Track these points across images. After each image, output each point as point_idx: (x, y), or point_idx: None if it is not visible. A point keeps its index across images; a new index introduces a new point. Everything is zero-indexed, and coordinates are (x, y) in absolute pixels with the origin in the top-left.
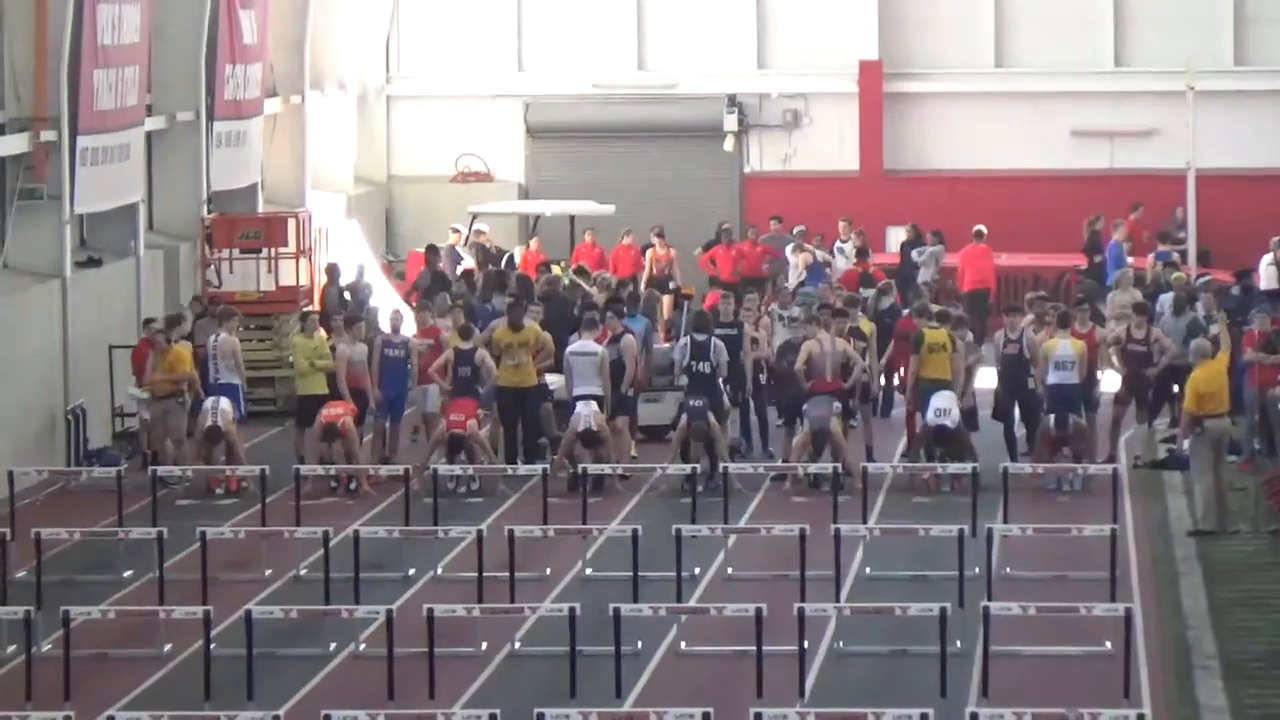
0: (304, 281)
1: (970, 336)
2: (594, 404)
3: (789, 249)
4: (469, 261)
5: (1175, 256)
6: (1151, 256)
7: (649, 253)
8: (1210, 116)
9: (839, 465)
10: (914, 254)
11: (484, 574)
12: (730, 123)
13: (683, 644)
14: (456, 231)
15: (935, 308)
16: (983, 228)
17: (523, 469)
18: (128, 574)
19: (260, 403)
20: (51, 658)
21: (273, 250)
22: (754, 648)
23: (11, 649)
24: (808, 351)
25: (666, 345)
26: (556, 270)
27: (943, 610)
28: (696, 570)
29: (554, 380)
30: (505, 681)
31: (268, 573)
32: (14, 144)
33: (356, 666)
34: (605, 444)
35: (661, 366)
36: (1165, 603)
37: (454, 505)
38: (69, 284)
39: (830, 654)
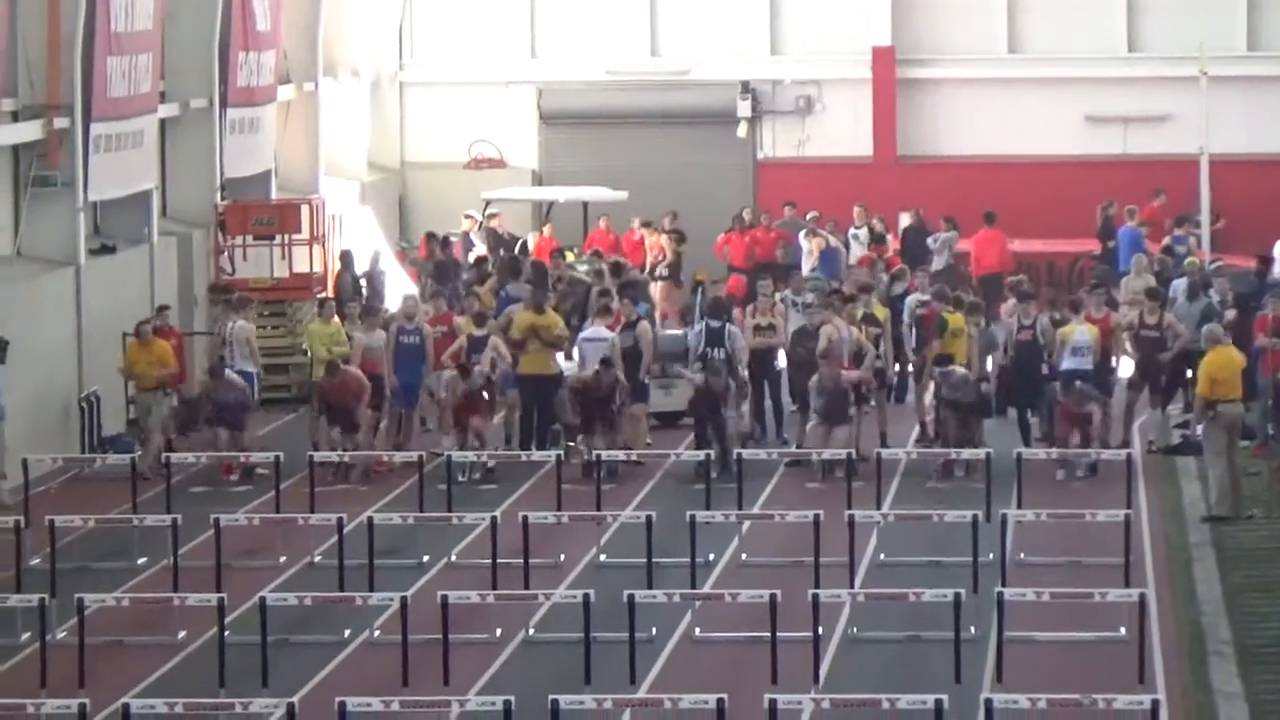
0: (317, 268)
1: (983, 322)
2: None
3: (802, 235)
4: (481, 248)
5: (1191, 241)
6: (1168, 240)
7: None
8: (1223, 101)
9: (853, 451)
10: (929, 241)
11: (498, 560)
12: (743, 109)
13: (697, 630)
14: (470, 218)
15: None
16: (993, 211)
17: (537, 455)
18: (142, 561)
19: (274, 389)
20: (66, 645)
21: (286, 237)
22: (768, 634)
23: (26, 636)
24: (827, 336)
25: (679, 332)
26: (569, 257)
27: (957, 596)
28: (711, 556)
29: (567, 366)
30: (519, 668)
31: (282, 559)
32: (28, 131)
33: (371, 653)
34: (619, 424)
35: (674, 353)
36: (1179, 588)
37: (468, 491)
38: (82, 271)
39: (844, 640)
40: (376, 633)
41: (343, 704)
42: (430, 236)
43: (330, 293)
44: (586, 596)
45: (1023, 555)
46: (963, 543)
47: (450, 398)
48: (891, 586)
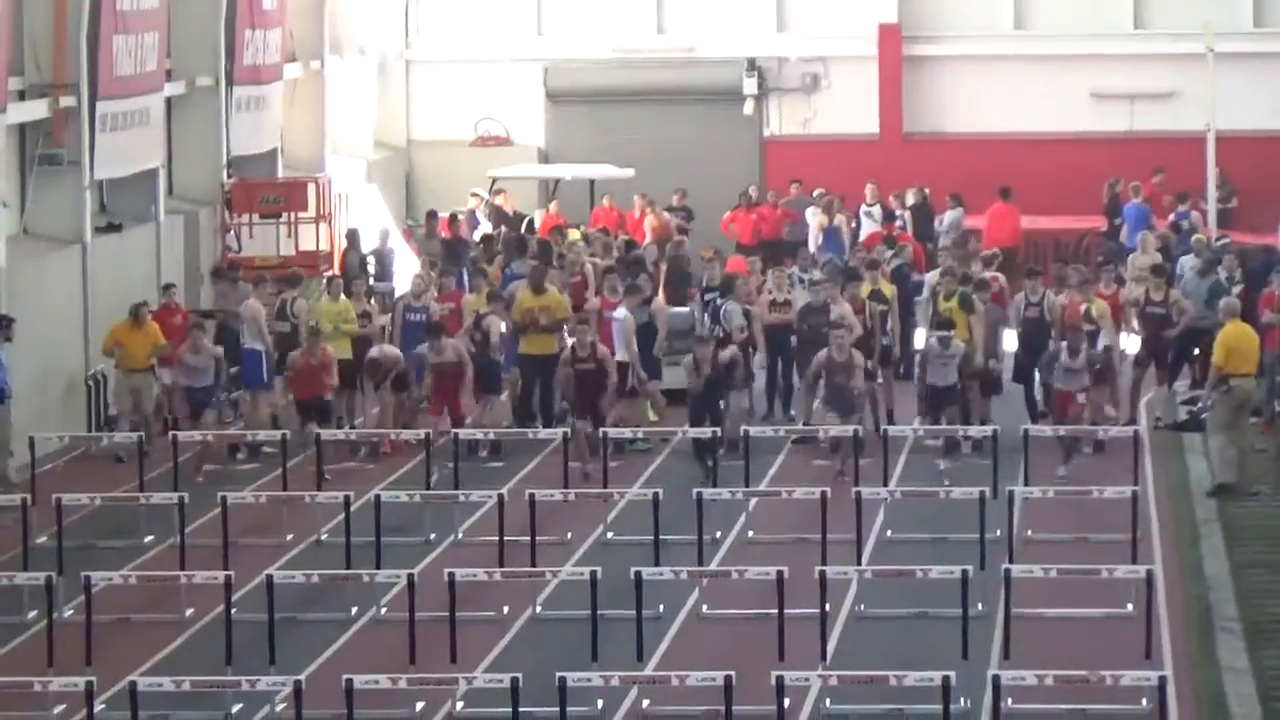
0: (324, 247)
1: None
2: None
3: (809, 212)
4: (486, 226)
5: (1194, 215)
6: (1172, 217)
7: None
8: (1229, 78)
9: (859, 428)
10: (936, 222)
11: (505, 538)
12: (750, 86)
13: (704, 608)
14: (476, 196)
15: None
16: (1009, 187)
17: (543, 433)
18: (149, 539)
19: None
20: (73, 623)
21: (293, 215)
22: (775, 611)
23: (33, 614)
24: (841, 313)
25: (687, 309)
26: (574, 234)
27: (964, 573)
28: (718, 534)
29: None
30: (527, 645)
31: (289, 537)
32: (34, 110)
33: (378, 631)
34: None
35: (683, 330)
36: (1186, 564)
37: (474, 469)
38: (89, 250)
39: (851, 617)
40: (384, 610)
41: (350, 681)
42: (431, 215)
43: (337, 271)
44: (594, 574)
45: (1030, 532)
46: (970, 519)
47: (430, 379)
48: (899, 563)
